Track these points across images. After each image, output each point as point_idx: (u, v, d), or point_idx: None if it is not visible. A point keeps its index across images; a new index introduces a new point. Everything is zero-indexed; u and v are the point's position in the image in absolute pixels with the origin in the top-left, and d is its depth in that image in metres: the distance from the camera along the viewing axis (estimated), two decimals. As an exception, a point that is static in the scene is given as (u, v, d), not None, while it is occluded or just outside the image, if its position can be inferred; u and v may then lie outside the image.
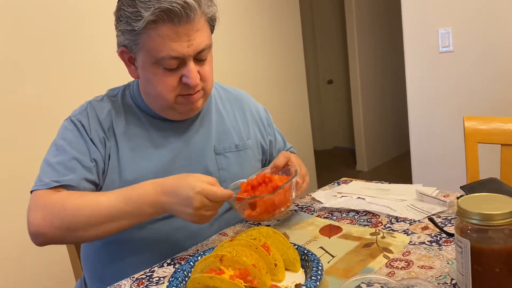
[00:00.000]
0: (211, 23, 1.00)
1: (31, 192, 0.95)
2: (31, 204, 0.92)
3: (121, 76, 1.29)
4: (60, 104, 1.93)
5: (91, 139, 0.99)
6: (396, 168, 4.56)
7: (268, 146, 1.26)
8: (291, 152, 1.36)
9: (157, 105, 1.03)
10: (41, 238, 0.90)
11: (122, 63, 1.03)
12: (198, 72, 0.97)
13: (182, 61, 0.95)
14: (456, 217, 0.96)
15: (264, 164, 1.27)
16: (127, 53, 0.99)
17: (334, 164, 4.94)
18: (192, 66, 0.95)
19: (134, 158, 1.01)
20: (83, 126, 1.00)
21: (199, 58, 0.97)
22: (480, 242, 0.61)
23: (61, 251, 1.32)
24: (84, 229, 0.89)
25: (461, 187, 0.97)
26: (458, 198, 1.02)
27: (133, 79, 1.08)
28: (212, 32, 1.02)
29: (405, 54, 2.38)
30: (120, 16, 0.94)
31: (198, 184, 0.86)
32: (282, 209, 0.95)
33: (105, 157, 1.00)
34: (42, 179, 0.94)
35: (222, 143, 1.12)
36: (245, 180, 1.01)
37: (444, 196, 1.10)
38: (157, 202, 0.88)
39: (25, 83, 1.84)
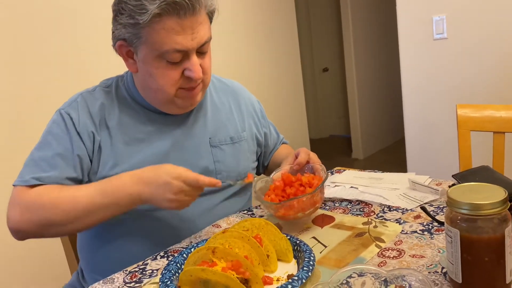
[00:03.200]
0: (211, 15, 0.99)
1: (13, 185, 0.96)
2: (11, 200, 0.94)
3: (114, 69, 1.28)
4: (56, 96, 1.91)
5: (78, 133, 0.98)
6: (392, 155, 4.57)
7: (263, 138, 1.26)
8: (284, 143, 1.36)
9: (157, 100, 1.02)
10: (20, 234, 0.93)
11: (112, 57, 1.02)
12: (200, 65, 0.97)
13: (185, 54, 0.94)
14: (448, 206, 0.97)
15: (259, 157, 1.27)
16: (126, 47, 0.97)
17: (330, 152, 4.95)
18: (195, 59, 0.95)
19: (128, 152, 1.01)
20: (71, 119, 0.99)
21: (201, 51, 0.97)
22: (470, 231, 0.62)
23: (55, 244, 1.32)
24: (62, 224, 0.91)
25: (452, 176, 0.98)
26: (450, 186, 1.02)
27: (125, 70, 1.07)
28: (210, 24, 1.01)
29: (399, 42, 2.37)
30: (122, 9, 0.92)
31: (176, 170, 0.87)
32: (315, 207, 0.95)
33: (92, 152, 0.99)
34: (23, 175, 0.95)
35: (217, 135, 1.11)
36: (269, 177, 1.03)
37: (436, 185, 1.10)
38: (134, 193, 0.89)
39: (22, 76, 1.82)
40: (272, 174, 1.06)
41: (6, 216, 0.93)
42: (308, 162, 1.06)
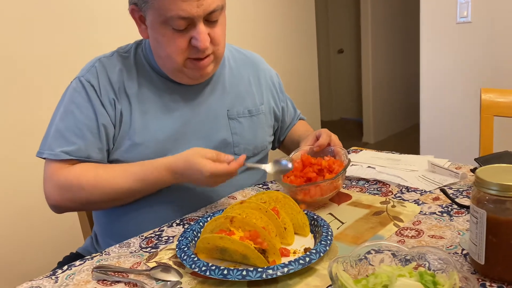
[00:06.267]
0: None
1: (43, 157, 0.96)
2: (46, 176, 0.95)
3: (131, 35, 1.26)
4: (68, 62, 1.90)
5: (101, 101, 0.97)
6: (403, 141, 4.54)
7: (281, 113, 1.24)
8: (301, 118, 1.34)
9: (167, 68, 1.00)
10: (60, 210, 0.97)
11: (131, 21, 1.00)
12: (209, 34, 0.94)
13: (191, 22, 0.91)
14: (468, 189, 0.95)
15: (276, 131, 1.26)
16: (138, 12, 0.96)
17: (340, 135, 4.83)
18: (201, 28, 0.92)
19: (146, 121, 0.99)
20: (92, 86, 0.98)
21: (209, 19, 0.93)
22: (497, 213, 0.60)
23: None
24: (102, 203, 0.96)
25: (475, 159, 0.96)
26: (471, 170, 1.01)
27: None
28: None
29: (420, 24, 2.31)
30: None
31: (206, 168, 0.87)
32: (335, 191, 0.94)
33: (115, 120, 0.98)
34: (52, 148, 0.95)
35: (235, 107, 1.10)
36: (288, 157, 1.02)
37: (456, 168, 1.09)
38: (173, 181, 0.94)
39: (32, 42, 1.81)
40: (292, 154, 1.05)
41: (44, 192, 0.95)
42: (329, 144, 1.04)
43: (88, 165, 0.95)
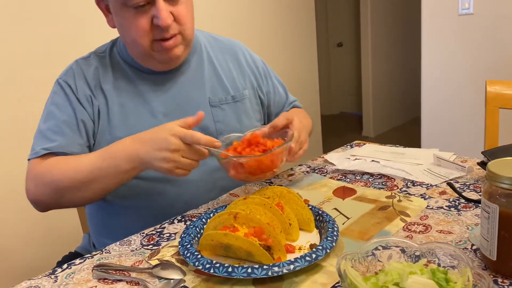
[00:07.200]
0: None
1: (28, 160, 0.96)
2: (27, 173, 0.94)
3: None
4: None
5: (78, 99, 0.98)
6: (404, 134, 4.52)
7: (266, 98, 1.20)
8: (296, 106, 1.28)
9: (136, 54, 0.99)
10: (39, 205, 0.94)
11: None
12: (172, 13, 0.93)
13: (150, 0, 0.90)
14: (475, 183, 0.94)
15: (264, 117, 1.22)
16: (102, 1, 0.97)
17: (340, 129, 4.90)
18: (161, 4, 0.91)
19: (125, 115, 0.99)
20: (69, 86, 0.99)
21: None
22: (510, 207, 0.59)
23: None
24: (72, 192, 0.89)
25: (482, 153, 0.94)
26: (478, 163, 0.99)
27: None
28: None
29: (422, 16, 2.29)
30: None
31: (175, 127, 0.82)
32: (268, 173, 0.89)
33: (94, 116, 0.98)
34: (34, 148, 0.95)
35: (217, 95, 1.08)
36: (240, 135, 0.97)
37: (461, 162, 1.07)
38: (132, 154, 0.85)
39: (32, 43, 1.78)
40: (247, 132, 0.98)
41: (25, 189, 0.93)
42: (288, 127, 0.96)
43: (63, 156, 0.93)
